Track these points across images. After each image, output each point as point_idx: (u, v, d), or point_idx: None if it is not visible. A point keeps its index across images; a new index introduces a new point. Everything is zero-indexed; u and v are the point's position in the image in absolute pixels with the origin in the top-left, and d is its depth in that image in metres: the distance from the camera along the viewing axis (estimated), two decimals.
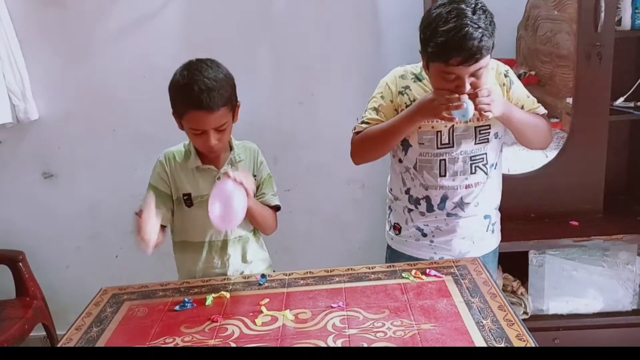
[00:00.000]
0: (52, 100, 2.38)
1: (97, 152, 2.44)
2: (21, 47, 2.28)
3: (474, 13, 1.27)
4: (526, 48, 2.58)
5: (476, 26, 1.26)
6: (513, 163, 2.07)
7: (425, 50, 1.35)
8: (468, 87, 1.32)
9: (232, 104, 1.44)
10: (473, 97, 1.31)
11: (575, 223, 2.04)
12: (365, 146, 1.53)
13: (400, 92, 1.49)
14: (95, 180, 2.47)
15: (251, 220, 1.53)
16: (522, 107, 1.52)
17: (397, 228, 1.64)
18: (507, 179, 2.03)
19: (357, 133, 1.54)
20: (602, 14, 1.83)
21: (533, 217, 2.09)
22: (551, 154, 2.07)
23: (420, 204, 1.55)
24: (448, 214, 1.54)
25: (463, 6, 1.28)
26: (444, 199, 1.52)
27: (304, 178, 2.49)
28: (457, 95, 1.30)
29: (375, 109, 1.52)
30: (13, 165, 2.46)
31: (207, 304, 1.38)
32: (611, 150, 2.04)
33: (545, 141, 1.58)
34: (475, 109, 1.32)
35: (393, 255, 1.66)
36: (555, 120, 2.29)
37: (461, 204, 1.53)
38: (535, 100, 1.56)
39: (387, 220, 1.70)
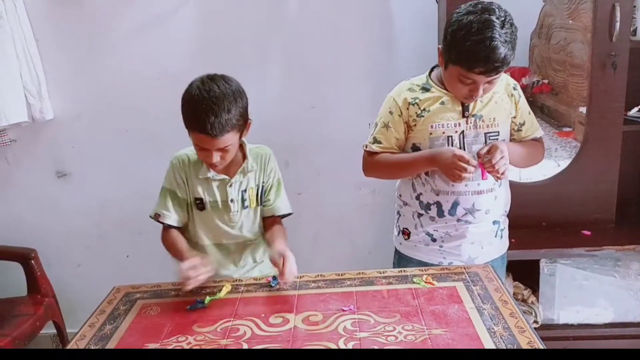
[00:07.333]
0: (67, 100, 2.40)
1: (110, 152, 2.46)
2: (38, 47, 2.30)
3: (502, 27, 1.31)
4: (539, 56, 2.58)
5: (503, 41, 1.30)
6: (525, 171, 2.06)
7: (448, 52, 1.39)
8: (481, 92, 1.39)
9: (239, 126, 1.41)
10: (489, 164, 1.41)
11: (587, 232, 2.03)
12: (379, 172, 1.62)
13: (410, 104, 1.51)
14: (108, 179, 2.49)
15: None
16: (524, 123, 1.58)
17: (406, 233, 1.65)
18: (519, 187, 2.04)
19: (370, 153, 1.57)
20: (618, 24, 1.83)
21: (545, 225, 2.09)
22: (564, 162, 2.06)
23: (430, 209, 1.56)
24: (458, 220, 1.55)
25: (494, 18, 1.31)
26: (455, 204, 1.53)
27: (314, 182, 2.49)
28: (473, 168, 1.39)
29: (385, 125, 1.55)
30: (27, 163, 2.48)
31: (216, 297, 1.40)
32: (624, 160, 2.03)
33: (533, 164, 1.67)
34: (493, 172, 1.42)
35: (402, 261, 1.67)
36: (568, 129, 2.28)
37: (472, 211, 1.53)
38: (534, 119, 1.62)
39: (395, 226, 1.72)
